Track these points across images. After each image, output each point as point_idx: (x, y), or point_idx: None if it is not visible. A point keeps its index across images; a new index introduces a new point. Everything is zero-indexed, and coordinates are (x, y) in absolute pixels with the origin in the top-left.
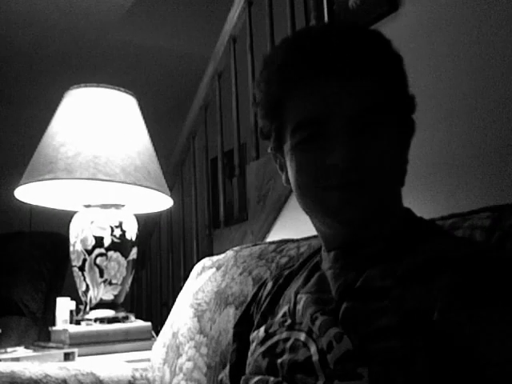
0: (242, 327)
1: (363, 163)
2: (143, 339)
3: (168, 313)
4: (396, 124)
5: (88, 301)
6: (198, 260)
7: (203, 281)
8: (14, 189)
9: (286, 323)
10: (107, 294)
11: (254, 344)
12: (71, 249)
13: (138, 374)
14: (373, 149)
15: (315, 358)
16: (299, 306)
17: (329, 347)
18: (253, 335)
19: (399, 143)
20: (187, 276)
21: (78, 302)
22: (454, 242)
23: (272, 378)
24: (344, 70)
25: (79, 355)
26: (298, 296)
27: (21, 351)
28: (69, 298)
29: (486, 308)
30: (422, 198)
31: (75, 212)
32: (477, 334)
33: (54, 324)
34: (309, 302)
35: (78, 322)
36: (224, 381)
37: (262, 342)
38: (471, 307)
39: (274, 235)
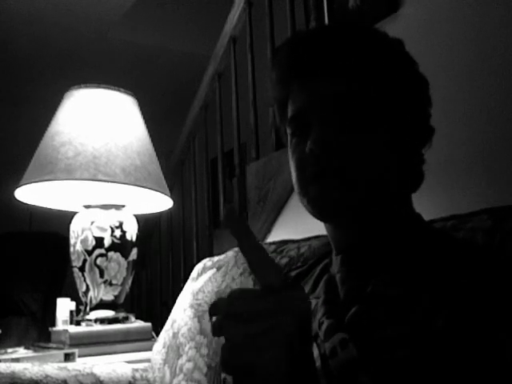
0: None
1: (341, 150)
2: (143, 340)
3: (168, 313)
4: (390, 122)
5: (88, 301)
6: (199, 260)
7: (203, 281)
8: (14, 189)
9: None
10: (107, 295)
11: None
12: (71, 249)
13: (138, 375)
14: (354, 141)
15: (318, 363)
16: None
17: (332, 353)
18: None
19: (394, 142)
20: (187, 276)
21: (78, 302)
22: (464, 251)
23: None
24: (329, 69)
25: (79, 356)
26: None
27: (21, 352)
28: (69, 299)
29: (496, 321)
30: (421, 199)
31: (75, 212)
32: (488, 346)
33: (54, 324)
34: (318, 307)
35: (78, 323)
36: (228, 380)
37: None
38: (478, 318)
39: (275, 235)
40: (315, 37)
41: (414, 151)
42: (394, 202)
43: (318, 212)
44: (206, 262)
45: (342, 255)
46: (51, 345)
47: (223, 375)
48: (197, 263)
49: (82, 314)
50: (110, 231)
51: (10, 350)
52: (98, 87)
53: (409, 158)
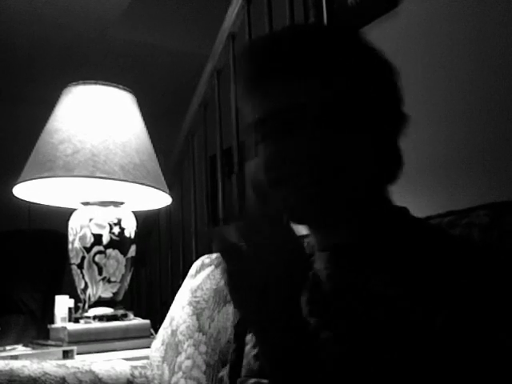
0: (243, 327)
1: (318, 153)
2: (142, 337)
3: (167, 310)
4: (370, 118)
5: (87, 298)
6: (197, 258)
7: (202, 278)
8: (12, 186)
9: None
10: (106, 292)
11: (248, 346)
12: (70, 246)
13: (136, 372)
14: (335, 142)
15: None
16: None
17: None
18: (248, 337)
19: (375, 137)
20: (186, 274)
21: (77, 299)
22: (457, 249)
23: (265, 381)
24: (281, 74)
25: (78, 353)
26: None
27: (20, 349)
28: (67, 296)
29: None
30: (419, 196)
31: (74, 210)
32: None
33: (52, 322)
34: (302, 305)
35: (76, 320)
36: (225, 379)
37: (255, 344)
38: (478, 318)
39: None
40: (277, 43)
41: (391, 142)
42: (378, 197)
43: (298, 220)
44: (205, 259)
45: (329, 252)
46: (50, 342)
47: (221, 373)
48: (195, 260)
49: (80, 311)
50: (108, 228)
51: (8, 348)
52: (96, 84)
53: (388, 150)
